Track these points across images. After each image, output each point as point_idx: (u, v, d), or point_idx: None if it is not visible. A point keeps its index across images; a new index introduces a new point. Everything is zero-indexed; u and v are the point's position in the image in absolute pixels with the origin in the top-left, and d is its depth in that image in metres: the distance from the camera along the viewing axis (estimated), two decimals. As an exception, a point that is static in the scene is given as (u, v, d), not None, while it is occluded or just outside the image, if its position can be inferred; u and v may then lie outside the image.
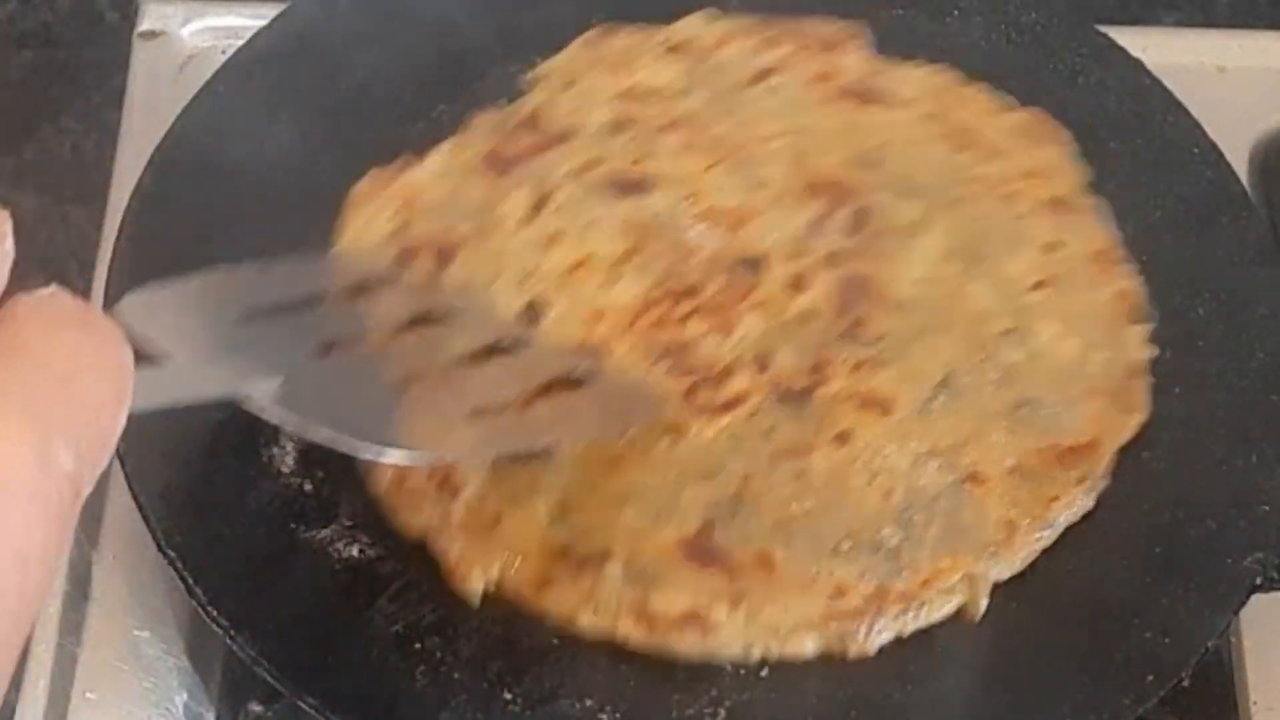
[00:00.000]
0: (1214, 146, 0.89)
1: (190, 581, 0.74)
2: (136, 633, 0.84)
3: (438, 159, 0.88)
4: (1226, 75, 1.03)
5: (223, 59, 0.91)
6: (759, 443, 0.81)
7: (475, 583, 0.77)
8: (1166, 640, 0.76)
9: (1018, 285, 0.86)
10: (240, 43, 0.91)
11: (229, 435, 0.83)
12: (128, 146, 0.97)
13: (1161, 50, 0.97)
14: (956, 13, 0.95)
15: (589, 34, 0.93)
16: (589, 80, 0.91)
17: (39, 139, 1.04)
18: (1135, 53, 0.93)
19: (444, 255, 0.84)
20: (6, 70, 1.07)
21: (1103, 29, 0.94)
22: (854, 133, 0.90)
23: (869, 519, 0.79)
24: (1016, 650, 0.78)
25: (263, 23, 0.91)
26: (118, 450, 0.76)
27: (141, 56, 1.02)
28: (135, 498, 0.76)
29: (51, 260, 1.00)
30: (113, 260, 0.83)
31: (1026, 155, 0.90)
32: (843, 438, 0.81)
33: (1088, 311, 0.85)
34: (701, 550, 0.78)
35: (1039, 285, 0.86)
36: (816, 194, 0.88)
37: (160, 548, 0.75)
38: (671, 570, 0.77)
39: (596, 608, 0.76)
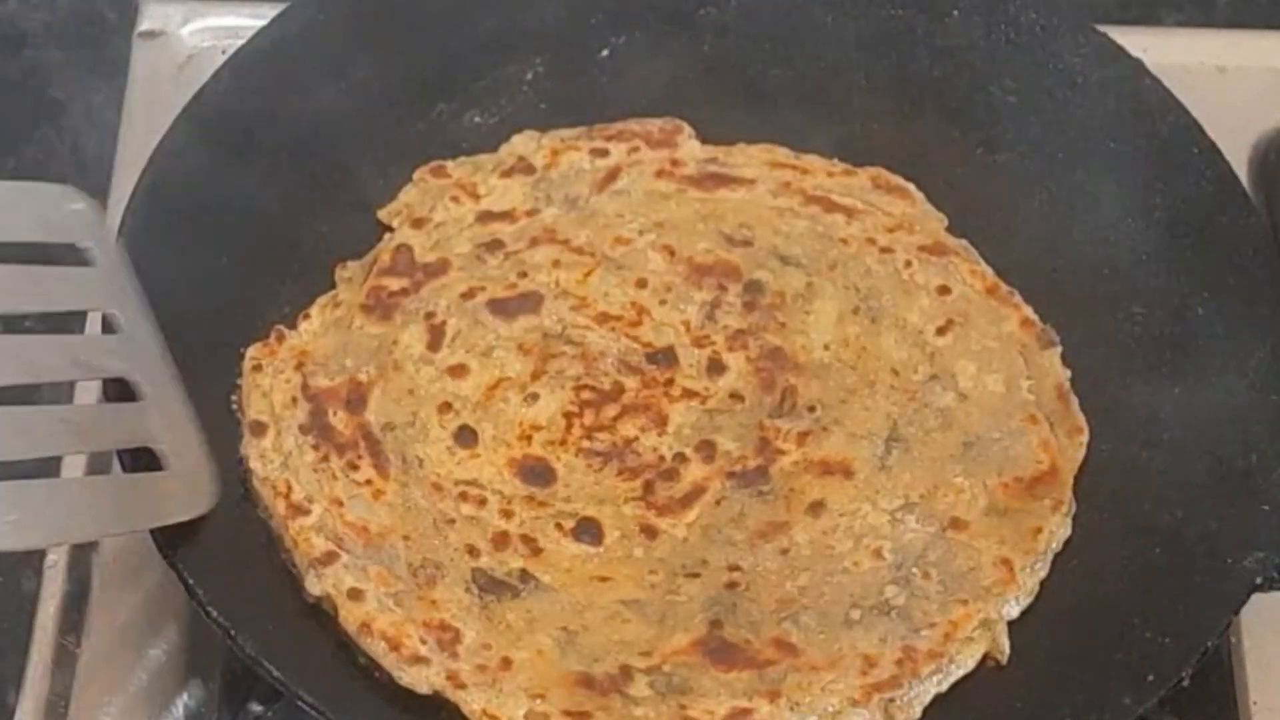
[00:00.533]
0: (1214, 146, 0.89)
1: (190, 582, 0.74)
2: (136, 633, 0.84)
3: (314, 318, 0.86)
4: (1226, 75, 1.03)
5: (223, 59, 0.91)
6: (734, 530, 0.81)
7: None
8: (1166, 640, 0.76)
9: (924, 333, 0.88)
10: (240, 43, 0.91)
11: (230, 436, 0.83)
12: (128, 146, 0.97)
13: (1161, 50, 0.97)
14: (956, 13, 0.95)
15: (419, 172, 0.92)
16: (439, 214, 0.90)
17: (39, 139, 1.04)
18: (1135, 53, 0.93)
19: (354, 402, 0.83)
20: (6, 70, 1.07)
21: (1103, 29, 0.94)
22: (714, 217, 0.91)
23: (868, 583, 0.80)
24: (1038, 671, 0.78)
25: (263, 23, 0.91)
26: (118, 449, 0.77)
27: (141, 56, 1.02)
28: (135, 498, 0.76)
29: (52, 260, 0.99)
30: (113, 260, 0.83)
31: (885, 210, 0.92)
32: (816, 508, 0.82)
33: (998, 345, 0.87)
34: (720, 649, 0.77)
35: (944, 329, 0.88)
36: (701, 279, 0.89)
37: (160, 549, 0.75)
38: (698, 675, 0.76)
39: None
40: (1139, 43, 0.94)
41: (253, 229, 0.87)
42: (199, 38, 1.03)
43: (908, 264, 0.90)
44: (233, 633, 0.73)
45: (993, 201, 0.93)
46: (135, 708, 0.83)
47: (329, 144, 0.91)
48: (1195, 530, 0.79)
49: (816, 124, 0.95)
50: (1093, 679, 0.76)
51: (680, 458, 0.83)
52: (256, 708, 0.84)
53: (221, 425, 0.82)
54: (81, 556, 0.86)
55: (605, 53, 0.96)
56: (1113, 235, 0.90)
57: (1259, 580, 0.77)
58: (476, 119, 0.95)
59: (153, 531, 0.75)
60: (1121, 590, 0.79)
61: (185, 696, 0.84)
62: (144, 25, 1.03)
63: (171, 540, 0.75)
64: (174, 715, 0.84)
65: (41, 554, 0.85)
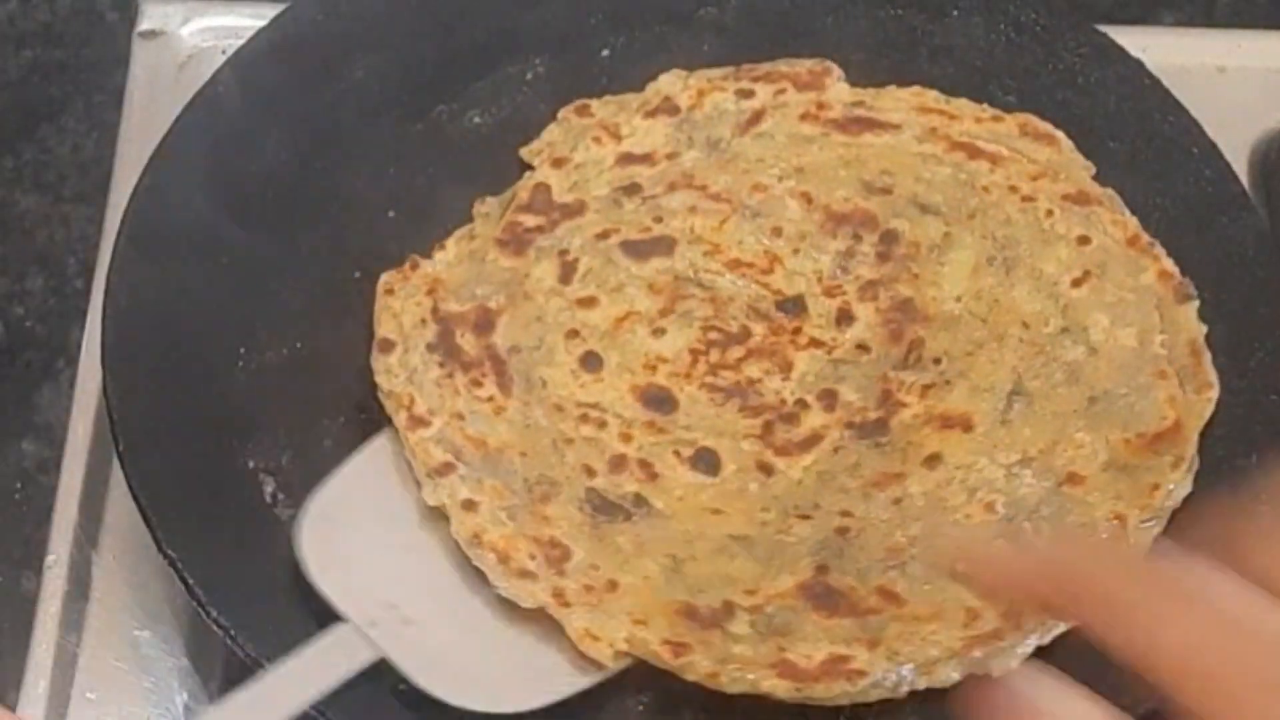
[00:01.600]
0: (1214, 146, 0.89)
1: (190, 582, 0.74)
2: (136, 633, 0.84)
3: (449, 249, 0.88)
4: (1226, 75, 1.03)
5: (223, 59, 0.91)
6: (848, 478, 0.81)
7: (605, 654, 0.75)
8: (1166, 640, 0.76)
9: (1059, 284, 0.86)
10: (240, 43, 0.91)
11: (232, 434, 0.83)
12: (128, 146, 0.97)
13: (1161, 50, 0.97)
14: (956, 13, 0.95)
15: (564, 111, 0.93)
16: (580, 154, 0.91)
17: (39, 139, 1.04)
18: (1135, 53, 0.93)
19: (482, 326, 0.84)
20: (6, 70, 1.07)
21: (1103, 29, 0.94)
22: (855, 163, 0.91)
23: (978, 536, 0.78)
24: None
25: (263, 23, 0.91)
26: (118, 449, 0.77)
27: (141, 56, 1.02)
28: (135, 498, 0.76)
29: (51, 260, 1.00)
30: (112, 260, 0.83)
31: (1031, 157, 0.90)
32: (932, 461, 0.81)
33: (1134, 298, 0.86)
34: (824, 594, 0.77)
35: (1080, 280, 0.86)
36: (837, 228, 0.89)
37: (160, 548, 0.75)
38: (799, 619, 0.76)
39: (739, 667, 0.74)
40: (1139, 43, 0.94)
41: (252, 229, 0.87)
42: (199, 38, 1.02)
43: (1049, 213, 0.88)
44: (233, 633, 0.73)
45: (993, 201, 0.93)
46: (135, 708, 0.83)
47: (328, 144, 0.91)
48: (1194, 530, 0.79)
49: (816, 124, 0.95)
50: (1092, 679, 0.76)
51: (801, 404, 0.83)
52: (257, 708, 0.84)
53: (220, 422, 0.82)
54: (81, 556, 0.86)
55: (605, 53, 0.96)
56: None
57: (1259, 580, 0.76)
58: (476, 119, 0.95)
59: (152, 531, 0.75)
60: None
61: (185, 696, 0.84)
62: (144, 25, 1.03)
63: (172, 540, 0.75)
64: (174, 715, 0.84)
65: (41, 554, 0.86)
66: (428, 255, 0.87)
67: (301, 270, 0.88)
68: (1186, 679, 0.48)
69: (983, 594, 0.66)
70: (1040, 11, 0.94)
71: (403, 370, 0.82)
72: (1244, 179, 0.92)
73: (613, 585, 0.77)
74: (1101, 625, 0.50)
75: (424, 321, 0.84)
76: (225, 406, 0.83)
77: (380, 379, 0.82)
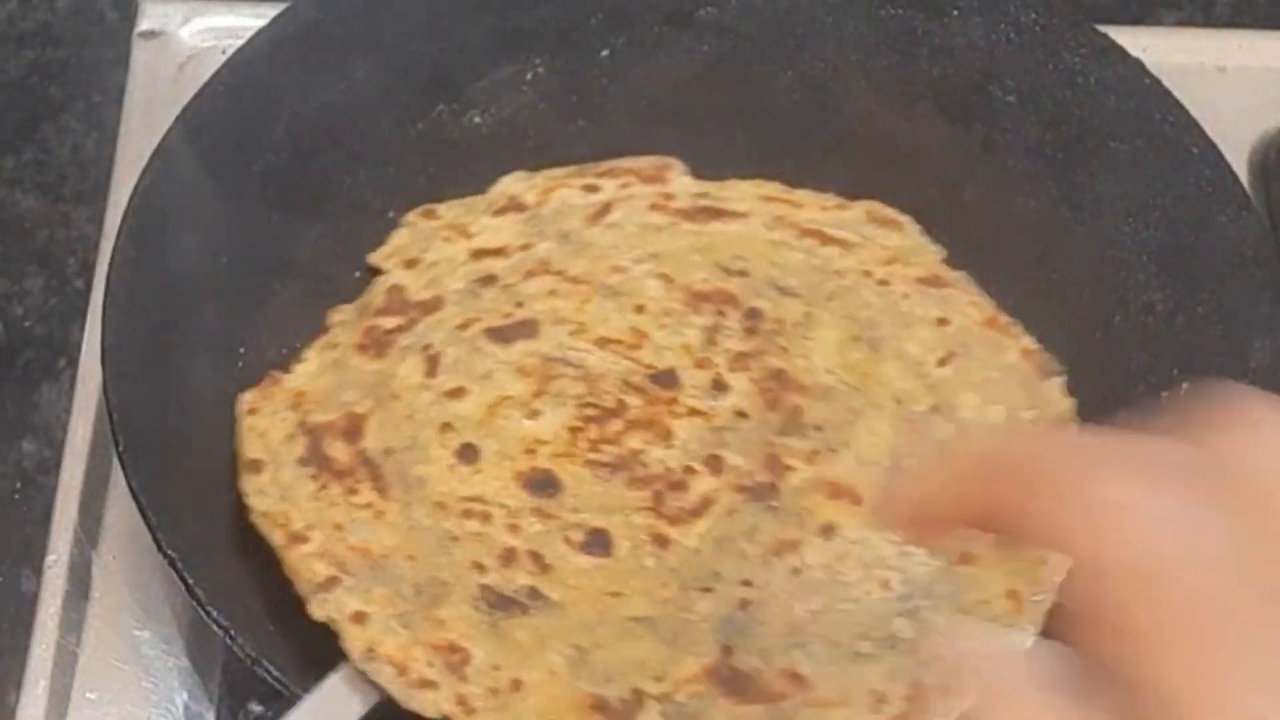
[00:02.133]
0: (1214, 146, 0.89)
1: (190, 582, 0.74)
2: (136, 633, 0.84)
3: (310, 359, 0.85)
4: (1226, 75, 1.03)
5: (223, 59, 0.90)
6: (746, 544, 0.80)
7: None
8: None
9: (925, 364, 0.86)
10: (240, 43, 0.91)
11: (232, 434, 0.83)
12: (128, 146, 0.97)
13: (1161, 50, 0.97)
14: (956, 12, 0.95)
15: (410, 215, 0.91)
16: (431, 254, 0.89)
17: (39, 139, 1.04)
18: (1135, 53, 0.93)
19: (352, 432, 0.82)
20: (6, 70, 1.07)
21: (1103, 29, 0.94)
22: (709, 249, 0.90)
23: (877, 614, 0.78)
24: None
25: (263, 23, 0.91)
26: (118, 449, 0.77)
27: (141, 56, 1.02)
28: (135, 498, 0.76)
29: (51, 260, 1.00)
30: (112, 260, 0.83)
31: (880, 243, 0.91)
32: (827, 531, 0.80)
33: (1000, 375, 0.86)
34: (731, 679, 0.76)
35: (944, 360, 0.86)
36: (700, 305, 0.88)
37: (160, 548, 0.75)
38: (709, 706, 0.75)
39: None
40: (1139, 43, 0.94)
41: (252, 229, 0.87)
42: (199, 38, 1.03)
43: (905, 296, 0.89)
44: (233, 633, 0.73)
45: (992, 202, 0.93)
46: (135, 708, 0.83)
47: (328, 144, 0.91)
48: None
49: (815, 123, 0.96)
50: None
51: (689, 470, 0.82)
52: (256, 708, 0.84)
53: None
54: (81, 556, 0.86)
55: (605, 53, 0.96)
56: (1113, 235, 0.90)
57: (1259, 580, 0.76)
58: (476, 119, 0.95)
59: (152, 531, 0.75)
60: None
61: (185, 696, 0.84)
62: (144, 25, 1.03)
63: (172, 540, 0.75)
64: (174, 715, 0.84)
65: (41, 554, 0.86)
66: (287, 369, 0.85)
67: (301, 270, 0.89)
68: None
69: (916, 535, 0.59)
70: (1040, 11, 0.94)
71: (275, 489, 0.80)
72: (1244, 179, 0.92)
73: (517, 684, 0.75)
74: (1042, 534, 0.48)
75: (291, 436, 0.82)
76: (225, 407, 0.83)
77: (252, 501, 0.79)
